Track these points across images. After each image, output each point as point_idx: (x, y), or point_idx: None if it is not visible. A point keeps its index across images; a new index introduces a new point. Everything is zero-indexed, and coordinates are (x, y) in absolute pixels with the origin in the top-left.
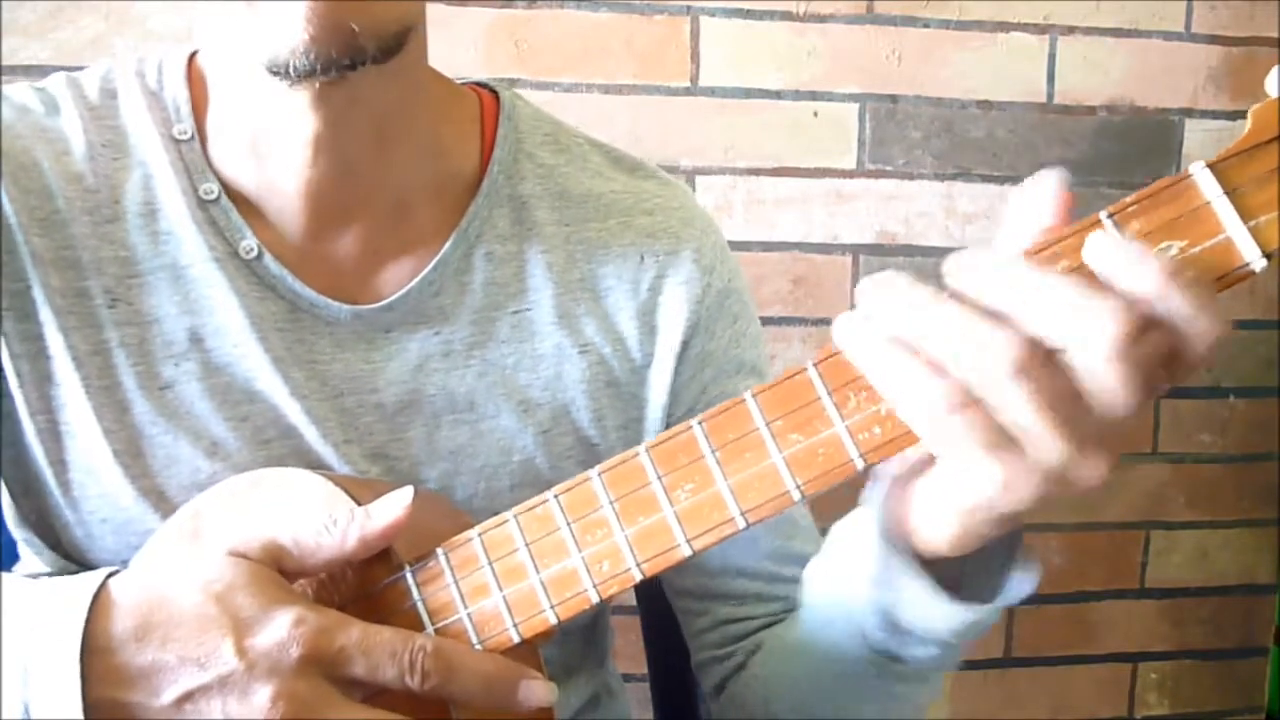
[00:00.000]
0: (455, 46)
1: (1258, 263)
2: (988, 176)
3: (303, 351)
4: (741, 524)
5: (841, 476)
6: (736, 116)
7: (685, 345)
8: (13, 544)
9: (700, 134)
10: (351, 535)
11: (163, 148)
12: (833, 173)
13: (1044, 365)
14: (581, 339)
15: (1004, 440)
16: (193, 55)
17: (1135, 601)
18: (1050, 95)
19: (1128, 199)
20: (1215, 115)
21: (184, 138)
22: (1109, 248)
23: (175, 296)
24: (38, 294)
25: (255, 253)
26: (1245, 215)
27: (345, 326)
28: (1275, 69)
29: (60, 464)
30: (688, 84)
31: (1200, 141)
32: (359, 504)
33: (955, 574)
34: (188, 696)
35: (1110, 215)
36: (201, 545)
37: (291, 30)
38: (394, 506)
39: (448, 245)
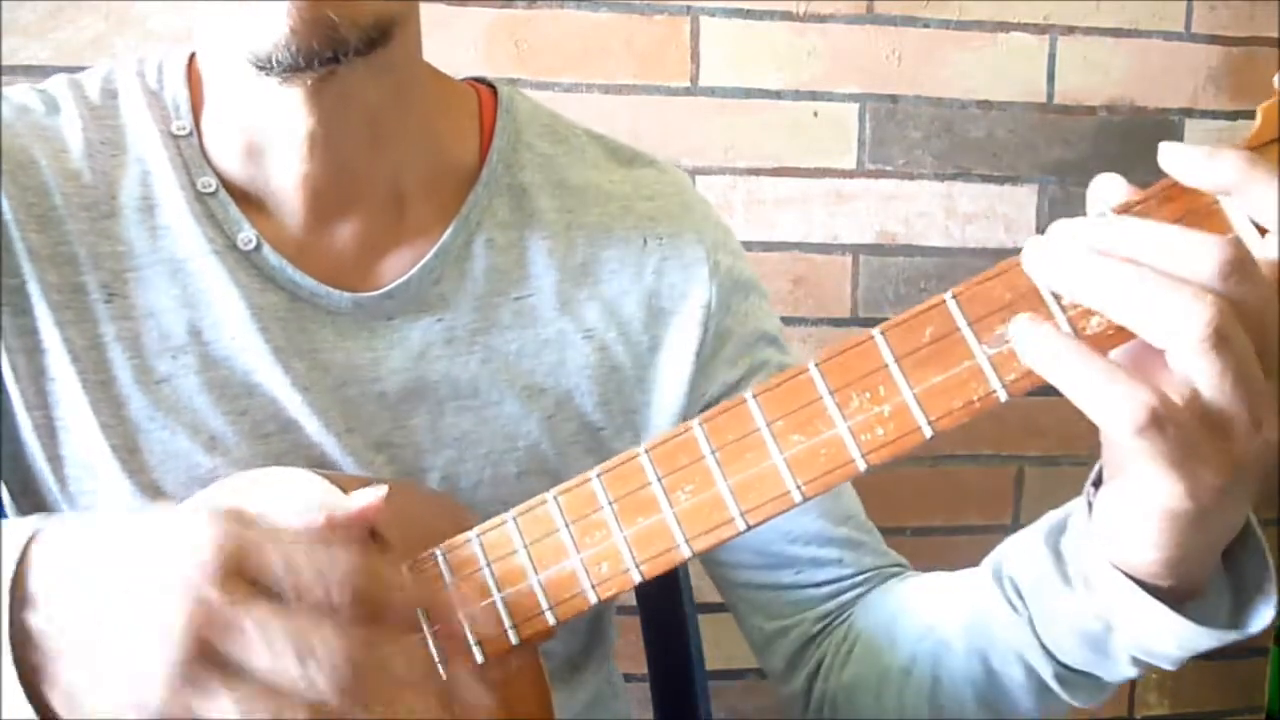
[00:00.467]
0: (455, 46)
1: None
2: (988, 176)
3: (303, 341)
4: (741, 525)
5: (843, 478)
6: (736, 116)
7: (703, 326)
8: None
9: (700, 134)
10: (321, 514)
11: (161, 144)
12: (833, 173)
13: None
14: (584, 325)
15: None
16: (192, 55)
17: None
18: (1050, 95)
19: (1132, 198)
20: (1215, 115)
21: (182, 133)
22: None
23: (173, 290)
24: (33, 289)
25: (254, 244)
26: None
27: (346, 315)
28: None
29: (57, 460)
30: (688, 84)
31: (1200, 141)
32: None
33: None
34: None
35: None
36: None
37: (273, 24)
38: (369, 493)
39: (448, 233)
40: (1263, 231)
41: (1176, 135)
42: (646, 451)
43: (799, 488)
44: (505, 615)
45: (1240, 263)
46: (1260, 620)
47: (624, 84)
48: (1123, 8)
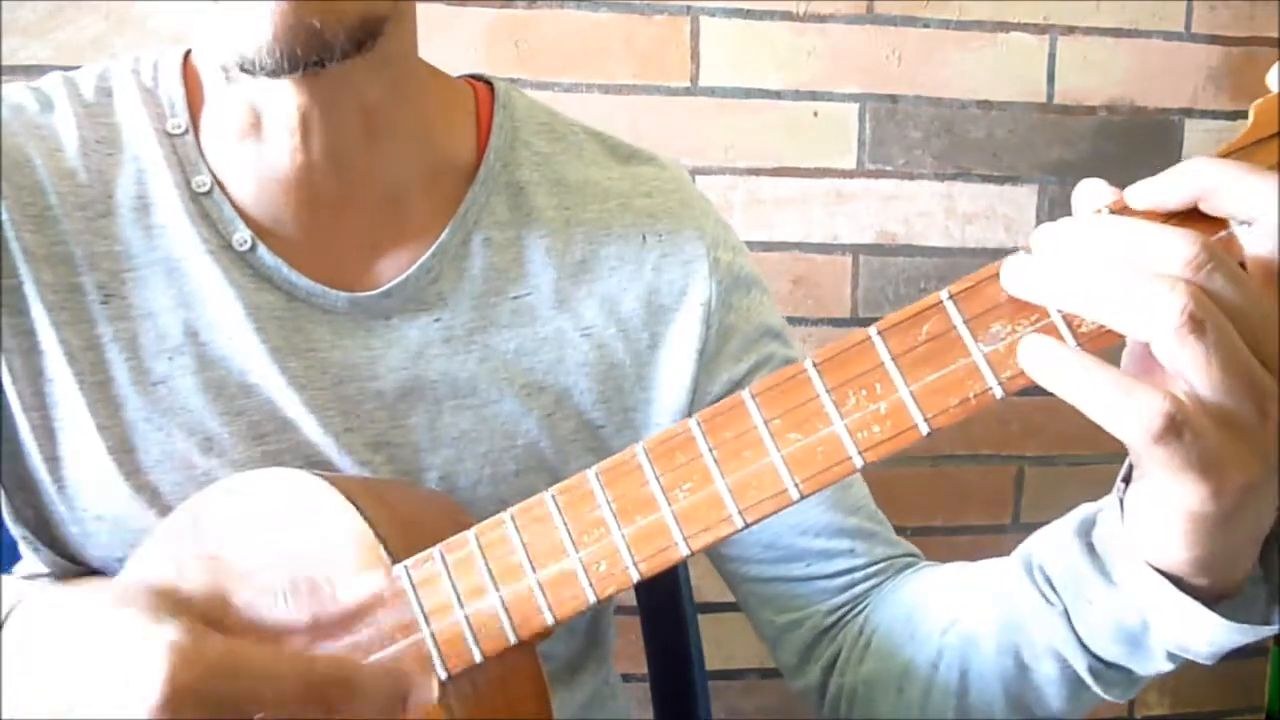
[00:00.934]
0: (455, 46)
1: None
2: (988, 176)
3: (300, 341)
4: (739, 523)
5: (840, 475)
6: (736, 116)
7: (704, 323)
8: (14, 544)
9: (700, 134)
10: (309, 609)
11: (156, 142)
12: (833, 173)
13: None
14: (583, 322)
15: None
16: (188, 53)
17: None
18: (1050, 95)
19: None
20: (1215, 115)
21: (177, 132)
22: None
23: (169, 290)
24: (30, 290)
25: (249, 244)
26: None
27: (343, 315)
28: (1277, 65)
29: (54, 461)
30: (688, 84)
31: (1200, 141)
32: (357, 504)
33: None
34: None
35: (1111, 214)
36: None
37: (256, 29)
38: (362, 586)
39: (445, 232)
40: (1245, 223)
41: (1176, 135)
42: (644, 450)
43: (796, 485)
44: (504, 615)
45: (1211, 255)
46: None
47: (624, 84)
48: (1123, 8)
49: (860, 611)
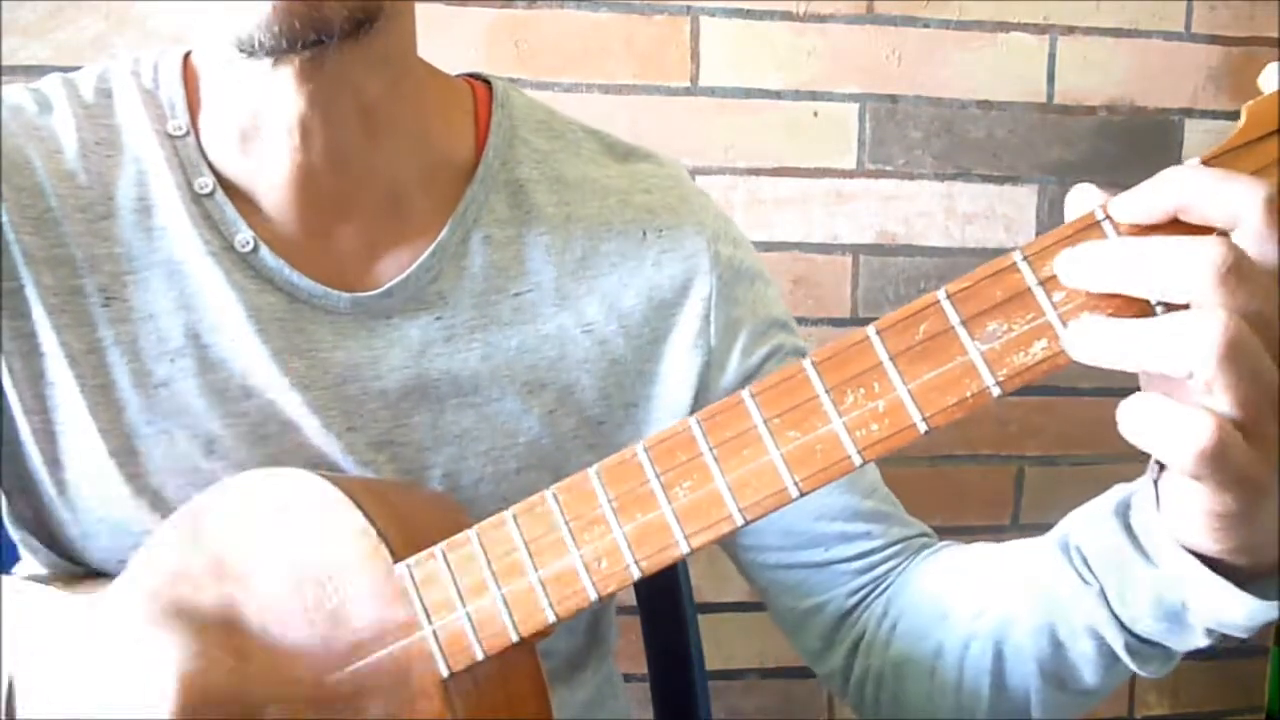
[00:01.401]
0: (455, 46)
1: None
2: (988, 176)
3: (302, 341)
4: (740, 521)
5: (839, 474)
6: (736, 116)
7: (705, 318)
8: (14, 545)
9: (700, 134)
10: (312, 609)
11: (157, 144)
12: (833, 173)
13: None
14: (584, 319)
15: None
16: (188, 54)
17: None
18: (1050, 95)
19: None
20: (1215, 115)
21: (178, 133)
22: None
23: (171, 292)
24: (31, 293)
25: (251, 245)
26: None
27: (345, 315)
28: (1270, 65)
29: (55, 463)
30: (688, 84)
31: (1200, 141)
32: (359, 503)
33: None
34: None
35: (1106, 214)
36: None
37: (255, 6)
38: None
39: (445, 230)
40: (1223, 234)
41: (1176, 135)
42: (645, 448)
43: (796, 483)
44: (505, 612)
45: (1236, 262)
46: None
47: (624, 84)
48: (1123, 8)
49: (882, 592)
